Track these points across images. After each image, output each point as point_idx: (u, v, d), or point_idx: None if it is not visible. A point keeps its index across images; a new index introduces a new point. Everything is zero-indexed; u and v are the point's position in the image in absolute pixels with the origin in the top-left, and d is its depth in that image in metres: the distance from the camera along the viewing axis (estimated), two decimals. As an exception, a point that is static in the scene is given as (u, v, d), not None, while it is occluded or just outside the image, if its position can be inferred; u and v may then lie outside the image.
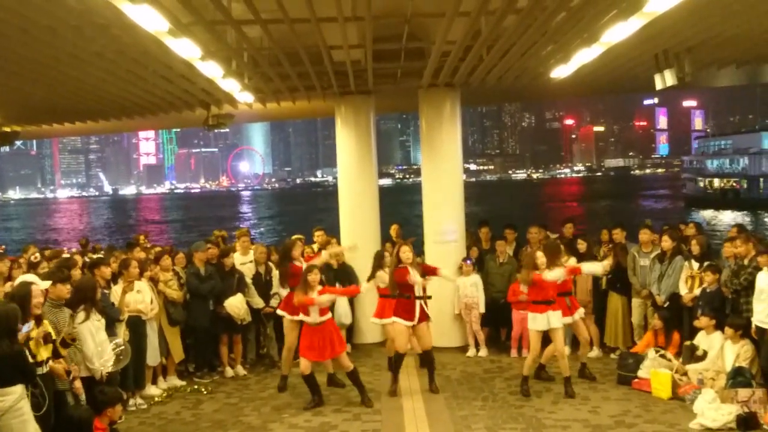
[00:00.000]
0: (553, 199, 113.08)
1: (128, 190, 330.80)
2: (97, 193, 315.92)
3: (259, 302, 10.79)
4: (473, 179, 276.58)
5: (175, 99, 12.72)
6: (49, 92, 11.73)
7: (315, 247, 12.09)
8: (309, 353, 8.91)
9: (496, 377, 10.14)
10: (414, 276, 9.22)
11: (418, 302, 9.37)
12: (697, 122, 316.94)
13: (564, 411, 8.55)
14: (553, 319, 9.16)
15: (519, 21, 7.69)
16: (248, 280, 10.92)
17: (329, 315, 9.16)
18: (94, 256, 10.60)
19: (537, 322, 9.18)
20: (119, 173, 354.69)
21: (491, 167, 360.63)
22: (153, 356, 9.50)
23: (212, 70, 9.09)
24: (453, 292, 11.63)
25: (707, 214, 67.68)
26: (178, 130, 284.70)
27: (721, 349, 8.87)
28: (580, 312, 9.83)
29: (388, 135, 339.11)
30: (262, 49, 9.27)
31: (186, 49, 7.80)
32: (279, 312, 10.16)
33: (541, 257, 9.21)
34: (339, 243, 12.34)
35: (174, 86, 11.41)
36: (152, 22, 6.65)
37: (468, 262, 11.62)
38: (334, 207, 13.42)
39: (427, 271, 9.66)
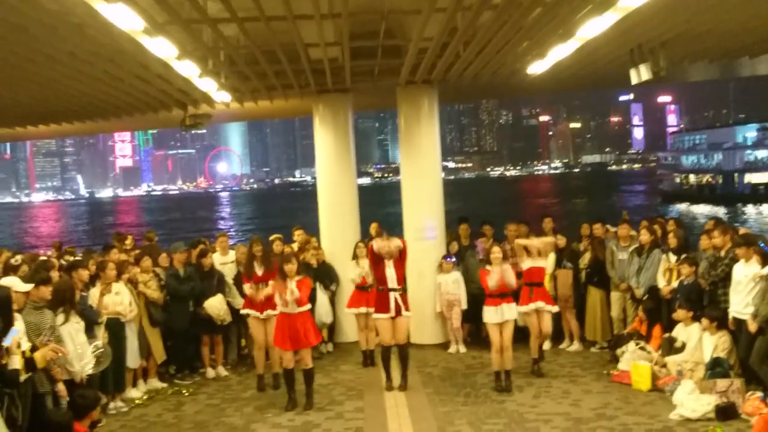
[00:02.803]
0: (531, 196, 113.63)
1: (105, 193, 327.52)
2: (73, 197, 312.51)
3: (240, 303, 10.71)
4: (452, 177, 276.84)
5: (151, 99, 12.61)
6: (23, 94, 11.60)
7: (295, 246, 12.07)
8: (283, 343, 8.83)
9: (478, 373, 10.17)
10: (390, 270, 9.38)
11: (392, 294, 9.39)
12: (671, 118, 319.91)
13: (545, 405, 8.61)
14: (507, 312, 9.28)
15: (495, 17, 7.72)
16: (229, 280, 10.87)
17: (308, 307, 9.07)
18: (71, 259, 10.50)
19: (490, 314, 9.31)
20: (95, 176, 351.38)
21: (469, 165, 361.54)
22: (133, 358, 9.42)
23: (189, 69, 9.04)
24: (435, 289, 11.67)
25: (683, 207, 68.45)
26: (155, 131, 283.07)
27: (699, 341, 8.96)
28: (539, 305, 9.91)
29: (366, 134, 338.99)
30: (239, 48, 9.23)
31: (162, 48, 7.76)
32: (242, 311, 10.08)
33: (496, 252, 9.33)
34: (319, 242, 12.33)
35: (150, 86, 11.32)
36: (127, 21, 6.60)
37: (448, 259, 11.64)
38: (313, 207, 13.39)
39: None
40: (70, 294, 7.61)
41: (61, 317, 7.40)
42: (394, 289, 9.40)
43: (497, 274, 9.15)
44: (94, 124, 16.14)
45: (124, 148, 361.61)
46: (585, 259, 11.20)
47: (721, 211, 58.72)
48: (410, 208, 12.32)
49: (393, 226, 13.41)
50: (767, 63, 13.56)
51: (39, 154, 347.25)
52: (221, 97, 11.62)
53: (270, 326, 9.47)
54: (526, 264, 9.94)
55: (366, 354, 10.89)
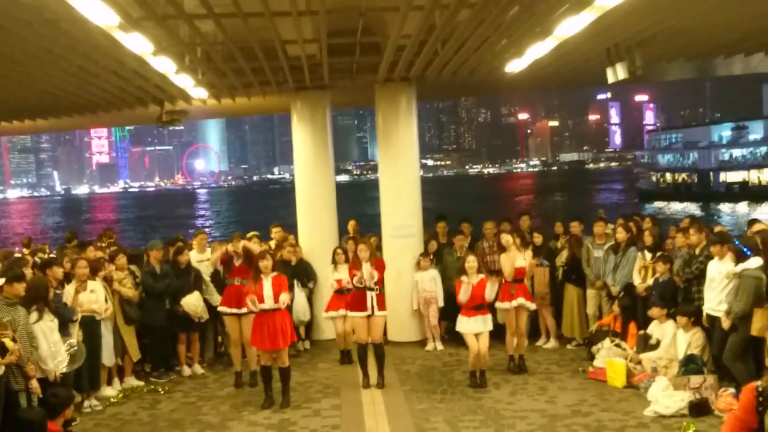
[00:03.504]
0: (509, 194, 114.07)
1: (81, 190, 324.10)
2: (48, 193, 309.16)
3: (217, 300, 10.63)
4: (431, 174, 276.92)
5: (127, 95, 12.51)
6: (-3, 89, 11.47)
7: (272, 243, 12.03)
8: (261, 343, 8.77)
9: (455, 370, 10.19)
10: (365, 272, 9.35)
11: (368, 294, 9.40)
12: (649, 116, 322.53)
13: (522, 402, 8.65)
14: (483, 323, 9.24)
15: (473, 15, 7.74)
16: (206, 277, 10.80)
17: (285, 302, 8.94)
18: (44, 256, 10.39)
19: (464, 325, 9.27)
20: (71, 172, 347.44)
21: (448, 162, 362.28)
22: (108, 356, 9.33)
23: (165, 65, 8.98)
24: (412, 287, 11.68)
25: (660, 205, 69.11)
26: (132, 127, 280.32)
27: (674, 338, 9.05)
28: (520, 301, 9.87)
29: (345, 131, 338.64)
30: (216, 44, 9.17)
31: (138, 44, 7.70)
32: (219, 309, 10.04)
33: (471, 261, 9.28)
34: (296, 240, 12.30)
35: (126, 82, 11.22)
36: (102, 16, 6.56)
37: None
38: (291, 204, 13.36)
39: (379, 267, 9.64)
40: (44, 291, 7.53)
41: (34, 315, 7.33)
42: (370, 289, 9.41)
43: (469, 287, 9.07)
44: (70, 120, 15.97)
45: (100, 144, 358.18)
46: (562, 257, 11.27)
47: (696, 210, 59.32)
48: (388, 205, 12.32)
49: (371, 224, 13.43)
50: (741, 63, 13.69)
51: (14, 150, 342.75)
52: (198, 93, 11.56)
53: (245, 323, 9.43)
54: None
55: (343, 352, 10.89)
